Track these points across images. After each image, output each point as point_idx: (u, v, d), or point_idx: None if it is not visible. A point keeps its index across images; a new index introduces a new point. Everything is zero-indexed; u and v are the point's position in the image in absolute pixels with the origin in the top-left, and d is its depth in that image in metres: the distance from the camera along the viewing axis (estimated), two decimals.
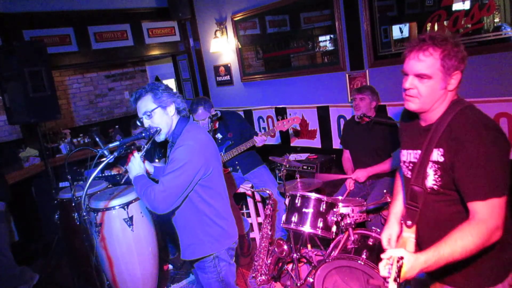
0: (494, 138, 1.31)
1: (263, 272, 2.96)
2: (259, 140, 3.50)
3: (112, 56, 5.17)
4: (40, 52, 3.60)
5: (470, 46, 3.02)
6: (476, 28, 2.96)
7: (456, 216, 1.43)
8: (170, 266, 3.77)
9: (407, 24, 3.43)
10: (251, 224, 3.95)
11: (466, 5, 2.99)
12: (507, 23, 2.86)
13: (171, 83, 6.83)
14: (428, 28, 3.22)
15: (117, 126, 6.18)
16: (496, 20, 2.92)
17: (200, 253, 2.10)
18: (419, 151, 1.50)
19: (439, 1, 3.09)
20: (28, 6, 4.42)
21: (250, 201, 3.90)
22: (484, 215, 1.30)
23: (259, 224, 3.87)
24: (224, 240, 2.13)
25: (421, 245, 1.56)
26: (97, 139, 2.59)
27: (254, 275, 2.99)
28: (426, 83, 1.38)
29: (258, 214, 3.97)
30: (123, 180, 2.29)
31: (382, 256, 1.32)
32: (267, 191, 3.05)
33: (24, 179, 4.39)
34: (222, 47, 5.12)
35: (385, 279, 1.27)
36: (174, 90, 2.14)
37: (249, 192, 3.83)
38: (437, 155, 1.41)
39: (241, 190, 3.79)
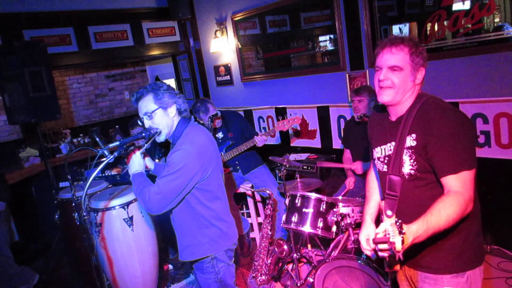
0: (459, 118, 1.46)
1: (263, 272, 2.95)
2: (260, 140, 3.50)
3: (112, 56, 5.17)
4: (40, 52, 3.60)
5: (470, 46, 3.02)
6: (476, 28, 2.96)
7: (434, 200, 1.47)
8: (170, 266, 3.77)
9: (407, 24, 3.43)
10: (251, 224, 3.95)
11: (466, 5, 2.99)
12: (508, 23, 2.86)
13: (171, 83, 6.82)
14: (428, 28, 3.22)
15: (117, 126, 6.18)
16: (496, 20, 2.92)
17: (198, 254, 2.10)
18: (393, 143, 1.60)
19: (439, 1, 3.09)
20: (28, 6, 4.42)
21: (250, 201, 3.90)
22: (458, 187, 1.40)
23: (259, 224, 3.87)
24: (222, 241, 2.13)
25: None
26: (97, 139, 2.59)
27: (254, 275, 2.99)
28: (398, 75, 1.53)
29: (258, 214, 3.97)
30: (122, 173, 2.27)
31: (376, 231, 1.37)
32: (267, 191, 3.05)
33: (24, 179, 4.39)
34: (222, 47, 5.12)
35: (385, 243, 1.28)
36: (176, 90, 2.13)
37: (249, 192, 3.83)
38: (410, 140, 1.52)
39: (241, 190, 3.79)
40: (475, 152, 1.47)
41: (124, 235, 2.87)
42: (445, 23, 3.10)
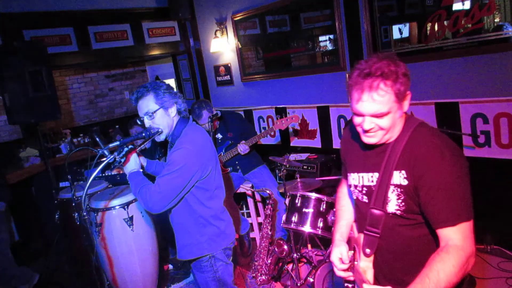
0: (456, 160, 1.28)
1: (263, 272, 2.95)
2: (243, 149, 3.49)
3: (112, 56, 5.17)
4: (40, 52, 3.60)
5: (470, 46, 3.02)
6: (476, 28, 2.96)
7: (420, 241, 1.38)
8: (170, 266, 3.77)
9: (407, 24, 3.43)
10: (251, 224, 3.95)
11: (466, 5, 2.99)
12: (508, 22, 2.86)
13: (171, 83, 6.82)
14: (428, 28, 3.22)
15: (117, 126, 6.18)
16: (497, 20, 2.92)
17: (196, 253, 2.11)
18: (375, 174, 1.41)
19: (439, 1, 3.09)
20: (28, 6, 4.42)
21: (250, 201, 3.90)
22: (459, 241, 1.24)
23: (259, 224, 3.87)
24: (220, 240, 2.13)
25: (380, 274, 1.47)
26: (97, 139, 2.58)
27: (254, 275, 2.99)
28: (386, 118, 1.31)
29: (258, 214, 3.97)
30: (116, 165, 2.26)
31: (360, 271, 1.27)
32: (267, 191, 3.05)
33: (24, 179, 4.39)
34: (222, 47, 5.12)
35: None
36: (175, 89, 2.13)
37: (249, 192, 3.83)
38: (399, 178, 1.34)
39: (241, 190, 3.79)
40: (471, 199, 1.32)
41: (124, 235, 2.87)
42: (445, 23, 3.10)
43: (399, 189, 1.34)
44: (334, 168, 4.06)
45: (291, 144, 4.76)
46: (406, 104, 1.34)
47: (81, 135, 5.82)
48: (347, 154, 1.58)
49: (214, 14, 5.18)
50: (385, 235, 1.40)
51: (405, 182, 1.33)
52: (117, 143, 2.02)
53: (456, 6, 3.03)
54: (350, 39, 3.81)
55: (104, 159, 1.99)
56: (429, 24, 3.21)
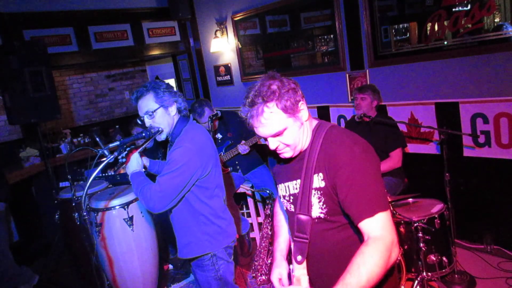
0: (365, 156, 1.31)
1: (263, 272, 2.95)
2: (242, 149, 3.49)
3: (112, 56, 5.17)
4: (40, 52, 3.60)
5: (470, 46, 3.02)
6: (476, 28, 2.96)
7: (347, 243, 1.39)
8: (170, 266, 3.77)
9: (407, 24, 3.43)
10: (251, 224, 3.95)
11: (466, 5, 2.99)
12: (508, 22, 2.86)
13: (171, 83, 6.82)
14: (428, 28, 3.22)
15: (117, 126, 6.18)
16: (497, 20, 2.92)
17: (197, 251, 2.10)
18: (298, 181, 1.43)
19: (439, 1, 3.09)
20: (28, 6, 4.42)
21: (250, 201, 3.90)
22: (378, 231, 1.24)
23: (259, 224, 3.87)
24: (222, 238, 2.13)
25: (315, 282, 1.47)
26: (97, 139, 2.59)
27: (254, 275, 2.99)
28: (285, 135, 1.35)
29: (258, 214, 3.97)
30: (117, 170, 2.27)
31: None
32: (267, 191, 3.05)
33: (24, 179, 4.38)
34: (222, 47, 5.12)
35: None
36: (175, 88, 2.14)
37: (249, 192, 3.83)
38: (318, 181, 1.36)
39: (241, 190, 3.79)
40: (385, 191, 1.35)
41: (124, 235, 2.87)
42: (445, 23, 3.10)
43: (319, 192, 1.36)
44: None
45: None
46: (303, 114, 1.37)
47: (81, 135, 5.81)
48: (274, 166, 1.61)
49: (214, 14, 5.18)
50: (314, 240, 1.41)
51: (323, 184, 1.35)
52: (117, 143, 2.02)
53: (456, 6, 3.03)
54: (350, 39, 3.80)
55: (104, 159, 1.99)
56: (429, 24, 3.21)
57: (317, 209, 1.38)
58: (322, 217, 1.38)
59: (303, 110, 1.37)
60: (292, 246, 1.49)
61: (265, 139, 1.40)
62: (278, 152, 1.41)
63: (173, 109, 2.04)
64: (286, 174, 1.51)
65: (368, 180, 1.29)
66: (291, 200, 1.49)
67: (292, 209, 1.48)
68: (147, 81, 7.12)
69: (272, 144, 1.38)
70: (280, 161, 1.55)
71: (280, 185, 1.56)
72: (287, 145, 1.38)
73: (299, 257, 1.41)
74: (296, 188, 1.45)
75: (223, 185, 2.20)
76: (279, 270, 1.55)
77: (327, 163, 1.33)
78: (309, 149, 1.40)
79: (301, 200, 1.39)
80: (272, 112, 1.31)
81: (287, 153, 1.41)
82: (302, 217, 1.39)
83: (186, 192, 1.99)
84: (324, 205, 1.36)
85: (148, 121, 2.02)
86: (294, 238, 1.42)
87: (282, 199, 1.56)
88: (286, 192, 1.52)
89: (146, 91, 2.00)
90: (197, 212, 2.06)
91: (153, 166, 2.30)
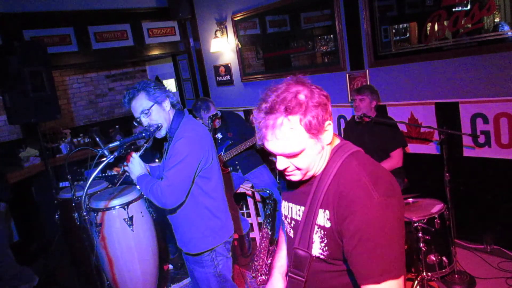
0: (385, 203, 1.06)
1: (263, 272, 2.95)
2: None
3: (112, 56, 5.17)
4: (40, 52, 3.60)
5: (470, 46, 3.02)
6: (476, 28, 2.96)
7: None
8: (170, 266, 3.77)
9: (407, 24, 3.43)
10: (251, 224, 3.95)
11: (466, 5, 2.99)
12: (508, 22, 2.86)
13: (171, 83, 6.82)
14: (428, 28, 3.22)
15: (117, 126, 6.17)
16: (496, 20, 2.92)
17: (201, 247, 2.11)
18: (301, 208, 1.24)
19: (439, 1, 3.09)
20: (28, 6, 4.42)
21: (250, 201, 3.90)
22: None
23: (259, 224, 3.87)
24: (222, 233, 2.15)
25: None
26: (97, 139, 2.59)
27: (254, 275, 2.99)
28: (301, 157, 1.13)
29: (258, 214, 3.97)
30: (118, 183, 2.29)
31: None
32: (267, 191, 3.05)
33: (24, 179, 4.38)
34: (222, 47, 5.12)
35: None
36: (169, 87, 2.17)
37: (249, 192, 3.83)
38: (323, 218, 1.15)
39: (241, 190, 3.79)
40: (404, 251, 1.09)
41: (124, 235, 2.87)
42: (445, 23, 3.10)
43: (322, 231, 1.16)
44: None
45: None
46: (326, 136, 1.14)
47: (81, 135, 5.81)
48: (282, 177, 1.33)
49: (214, 14, 5.18)
50: (310, 280, 1.22)
51: (328, 224, 1.14)
52: (117, 143, 2.02)
53: (456, 6, 3.03)
54: (350, 39, 3.80)
55: (104, 159, 1.99)
56: (429, 24, 3.21)
57: (317, 248, 1.19)
58: (322, 258, 1.19)
59: (328, 132, 1.14)
60: (286, 282, 1.35)
61: (274, 155, 1.17)
62: (285, 173, 1.20)
63: (167, 104, 2.06)
64: (292, 194, 1.33)
65: (382, 238, 1.05)
66: (292, 225, 1.31)
67: (292, 235, 1.31)
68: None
69: (281, 164, 1.15)
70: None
71: (284, 202, 1.38)
72: (298, 169, 1.16)
73: None
74: (299, 215, 1.25)
75: (222, 179, 2.21)
76: None
77: (337, 202, 1.12)
78: (320, 176, 1.18)
79: (302, 233, 1.20)
80: (293, 128, 1.08)
81: (295, 177, 1.19)
82: (301, 253, 1.20)
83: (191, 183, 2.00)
84: (326, 247, 1.17)
85: (145, 120, 2.03)
86: (289, 274, 1.26)
87: (283, 218, 1.38)
88: (288, 214, 1.34)
89: (137, 92, 2.01)
90: (200, 205, 2.06)
91: (154, 172, 2.29)
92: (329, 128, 1.14)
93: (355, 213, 1.06)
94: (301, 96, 1.09)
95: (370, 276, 1.05)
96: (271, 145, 1.12)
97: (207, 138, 2.07)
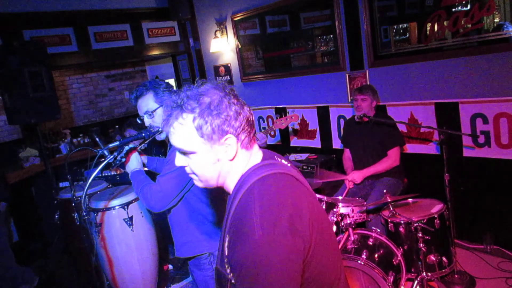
0: (269, 241, 0.95)
1: None
2: (260, 136, 3.48)
3: (112, 56, 5.17)
4: (40, 52, 3.60)
5: (470, 46, 3.02)
6: (476, 28, 2.96)
7: None
8: (170, 266, 3.77)
9: (407, 25, 3.43)
10: None
11: (466, 5, 2.99)
12: (508, 22, 2.86)
13: (171, 83, 6.83)
14: (428, 28, 3.22)
15: (117, 126, 6.18)
16: (496, 20, 2.92)
17: (195, 251, 2.10)
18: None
19: (439, 1, 3.09)
20: (28, 6, 4.42)
21: None
22: None
23: None
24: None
25: None
26: (97, 139, 2.58)
27: None
28: (193, 159, 1.10)
29: None
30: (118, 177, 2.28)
31: None
32: None
33: (24, 179, 4.39)
34: (222, 47, 5.12)
35: None
36: (174, 88, 2.14)
37: None
38: (226, 243, 1.06)
39: None
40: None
41: (124, 235, 2.87)
42: (445, 23, 3.10)
43: (225, 258, 1.06)
44: (334, 168, 4.06)
45: (291, 144, 4.76)
46: (225, 150, 1.08)
47: (81, 135, 5.81)
48: None
49: (214, 14, 5.18)
50: None
51: (226, 252, 1.05)
52: (117, 143, 2.02)
53: (456, 6, 3.04)
54: (350, 39, 3.81)
55: (104, 159, 1.99)
56: (429, 24, 3.21)
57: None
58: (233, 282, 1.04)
59: (229, 148, 1.07)
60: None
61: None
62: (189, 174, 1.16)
63: None
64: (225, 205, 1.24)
65: (258, 279, 0.95)
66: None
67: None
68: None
69: (178, 160, 1.13)
70: None
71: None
72: (194, 173, 1.13)
73: None
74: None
75: None
76: None
77: (232, 231, 1.03)
78: (233, 197, 1.10)
79: (221, 253, 1.11)
80: (183, 124, 1.06)
81: (196, 182, 1.16)
82: (221, 270, 1.10)
83: (186, 191, 1.99)
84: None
85: (147, 121, 2.03)
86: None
87: None
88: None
89: (146, 91, 2.00)
90: (195, 211, 2.06)
91: (151, 163, 2.31)
92: (231, 142, 1.07)
93: (236, 248, 0.99)
94: (205, 99, 1.07)
95: None
96: (170, 138, 1.11)
97: None
